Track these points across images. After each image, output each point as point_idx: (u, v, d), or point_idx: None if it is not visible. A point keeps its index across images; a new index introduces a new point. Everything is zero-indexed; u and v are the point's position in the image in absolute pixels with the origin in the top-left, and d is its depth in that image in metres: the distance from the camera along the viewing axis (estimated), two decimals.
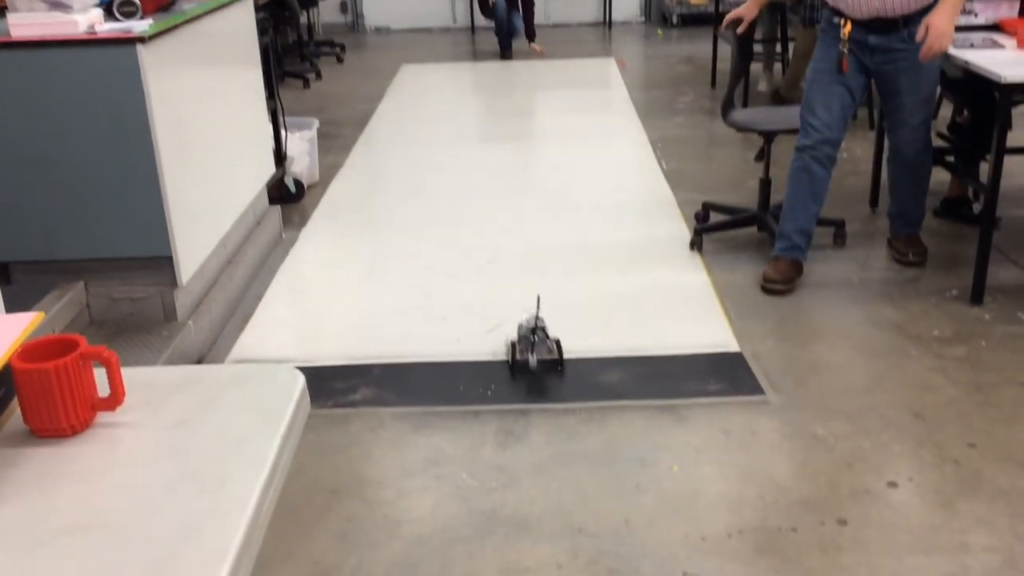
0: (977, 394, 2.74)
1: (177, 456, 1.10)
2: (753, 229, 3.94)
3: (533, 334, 2.92)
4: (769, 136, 3.78)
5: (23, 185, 2.84)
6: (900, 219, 3.69)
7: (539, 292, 3.06)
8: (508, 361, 2.95)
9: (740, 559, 2.10)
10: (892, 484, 2.35)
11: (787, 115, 3.84)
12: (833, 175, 3.48)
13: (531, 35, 8.19)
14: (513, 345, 2.95)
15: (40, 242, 2.91)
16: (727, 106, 3.87)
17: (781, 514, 2.24)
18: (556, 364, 2.92)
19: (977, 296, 3.29)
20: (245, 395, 1.24)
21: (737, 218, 3.96)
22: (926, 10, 3.19)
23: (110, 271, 2.97)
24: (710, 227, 3.92)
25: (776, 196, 3.80)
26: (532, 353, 2.88)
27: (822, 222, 3.96)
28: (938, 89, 3.89)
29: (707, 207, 4.12)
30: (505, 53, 8.12)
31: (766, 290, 3.43)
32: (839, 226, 3.87)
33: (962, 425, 2.59)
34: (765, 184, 3.84)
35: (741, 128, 3.87)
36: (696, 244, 3.84)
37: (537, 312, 2.97)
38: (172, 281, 2.96)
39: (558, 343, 2.93)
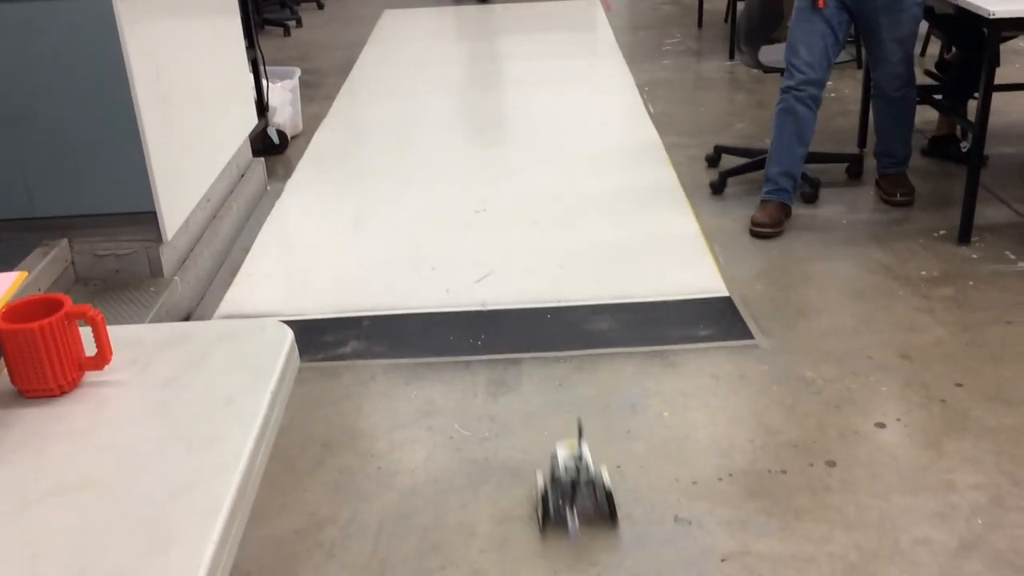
0: (964, 334, 2.75)
1: (167, 414, 1.10)
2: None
3: (574, 489, 2.05)
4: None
5: (2, 142, 2.79)
6: (887, 158, 3.68)
7: (578, 418, 2.36)
8: (537, 514, 2.09)
9: (730, 502, 2.13)
10: (880, 425, 2.37)
11: None
12: (821, 115, 3.46)
13: None
14: (545, 495, 2.07)
15: (22, 199, 2.87)
16: (754, 44, 3.74)
17: (770, 457, 2.27)
18: (607, 518, 2.07)
19: (965, 236, 3.29)
20: (234, 351, 1.23)
21: (757, 159, 3.88)
22: None
23: (94, 227, 2.94)
24: (733, 170, 3.88)
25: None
26: (572, 511, 2.05)
27: (836, 157, 3.97)
28: (924, 25, 3.86)
29: (719, 149, 4.09)
30: None
31: (754, 234, 3.43)
32: (854, 161, 3.92)
33: (949, 365, 2.60)
34: None
35: (769, 68, 3.77)
36: (717, 187, 3.83)
37: (580, 449, 2.07)
38: (157, 236, 2.94)
39: (609, 496, 2.06)
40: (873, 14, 3.35)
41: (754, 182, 3.86)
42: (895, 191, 3.64)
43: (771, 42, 3.85)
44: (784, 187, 3.47)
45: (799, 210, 3.59)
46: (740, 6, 6.00)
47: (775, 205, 3.48)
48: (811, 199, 3.69)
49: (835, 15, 3.34)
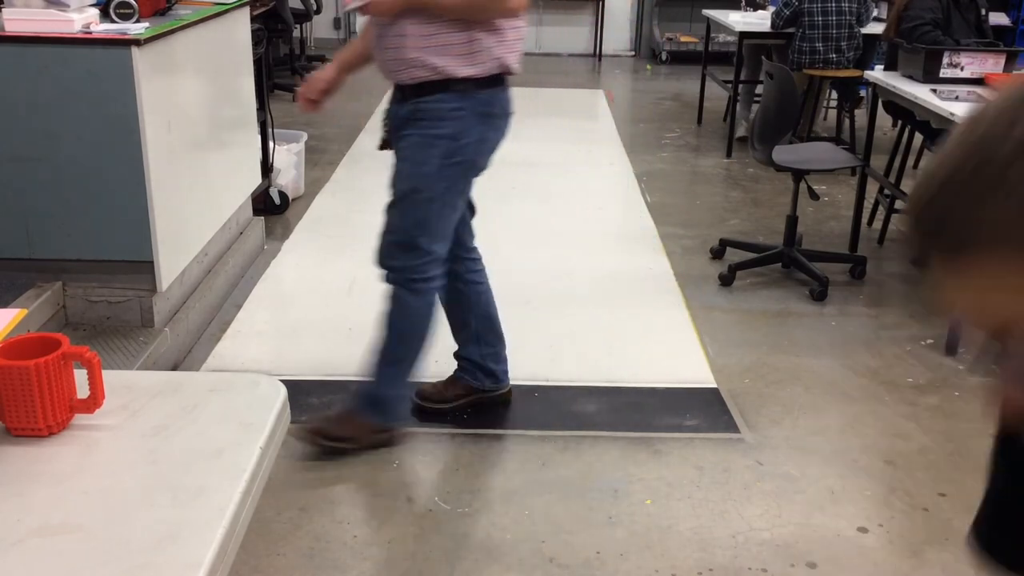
0: (948, 443, 2.76)
1: (154, 462, 1.09)
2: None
3: None
4: (801, 174, 3.83)
5: (6, 181, 2.81)
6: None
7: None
8: None
9: None
10: (862, 529, 2.35)
11: (814, 152, 4.03)
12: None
13: None
14: None
15: (21, 239, 2.87)
16: (768, 142, 3.80)
17: (751, 554, 2.24)
18: None
19: (952, 346, 3.32)
20: (226, 404, 1.22)
21: (765, 255, 3.97)
22: (432, 83, 2.33)
23: (89, 272, 2.94)
24: (743, 264, 3.93)
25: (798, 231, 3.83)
26: None
27: (840, 258, 4.06)
28: (919, 138, 3.94)
29: (724, 243, 4.15)
30: None
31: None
32: (858, 262, 4.00)
33: (933, 474, 2.60)
34: (792, 220, 3.90)
35: (781, 167, 3.81)
36: (727, 280, 3.86)
37: None
38: (151, 286, 2.94)
39: None
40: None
41: (757, 276, 3.90)
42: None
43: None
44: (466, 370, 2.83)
45: (791, 308, 3.63)
46: (739, 107, 6.16)
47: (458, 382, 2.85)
48: (821, 297, 3.73)
49: None
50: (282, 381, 1.28)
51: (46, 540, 0.93)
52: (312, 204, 4.74)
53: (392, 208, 2.50)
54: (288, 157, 4.67)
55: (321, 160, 5.49)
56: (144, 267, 2.91)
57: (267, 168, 4.38)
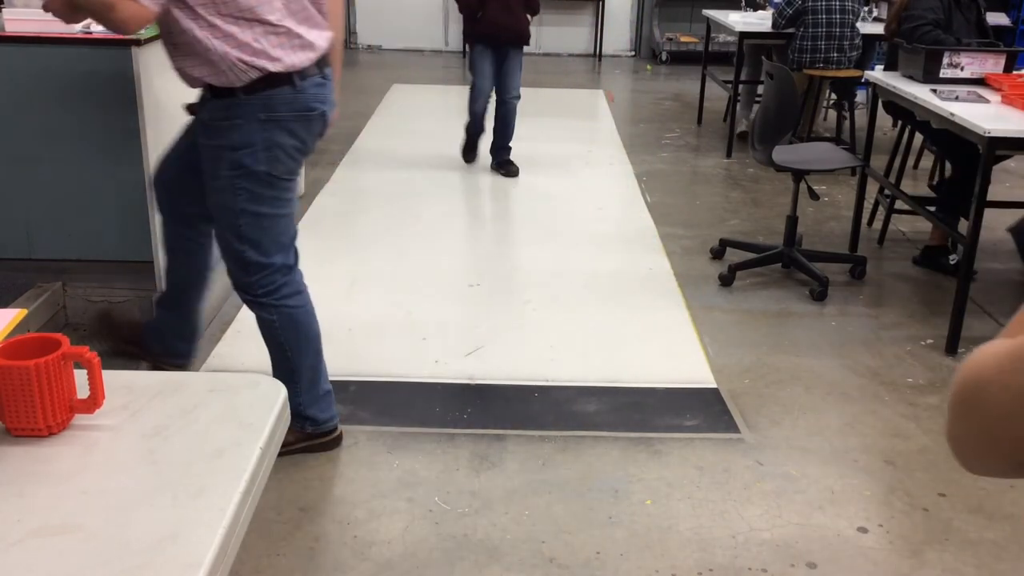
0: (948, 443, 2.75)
1: (154, 462, 1.09)
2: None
3: None
4: (801, 174, 3.83)
5: (7, 181, 2.81)
6: None
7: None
8: None
9: None
10: (862, 529, 2.35)
11: (815, 152, 4.02)
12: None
13: (501, 161, 5.50)
14: None
15: (21, 239, 2.88)
16: (768, 142, 3.79)
17: (751, 555, 2.24)
18: None
19: (952, 346, 3.32)
20: (226, 404, 1.22)
21: (765, 255, 3.97)
22: (208, 92, 2.28)
23: (89, 272, 2.94)
24: (743, 264, 3.93)
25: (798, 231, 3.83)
26: None
27: (840, 258, 4.05)
28: (919, 138, 3.93)
29: (724, 243, 4.15)
30: (470, 155, 5.63)
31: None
32: (859, 262, 4.00)
33: (933, 474, 2.60)
34: (792, 221, 3.89)
35: (781, 168, 3.81)
36: (727, 280, 3.86)
37: None
38: (152, 286, 2.94)
39: None
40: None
41: (757, 276, 3.90)
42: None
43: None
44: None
45: (791, 308, 3.62)
46: (739, 107, 6.17)
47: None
48: (820, 297, 3.73)
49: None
50: None
51: (46, 540, 0.93)
52: (312, 204, 4.74)
53: (216, 226, 2.43)
54: None
55: (321, 160, 5.49)
56: (144, 267, 2.91)
57: None
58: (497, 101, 5.40)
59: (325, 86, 2.36)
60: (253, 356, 3.16)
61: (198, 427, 1.16)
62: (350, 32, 10.11)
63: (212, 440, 1.13)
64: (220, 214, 2.34)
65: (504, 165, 5.48)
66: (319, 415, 2.54)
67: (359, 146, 5.93)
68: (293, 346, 2.48)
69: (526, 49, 5.38)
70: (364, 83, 8.15)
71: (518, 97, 5.41)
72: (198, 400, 1.23)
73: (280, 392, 1.26)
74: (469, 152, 5.66)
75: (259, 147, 2.24)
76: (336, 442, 2.60)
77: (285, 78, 2.23)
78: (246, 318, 3.42)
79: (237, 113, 2.21)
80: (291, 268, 2.43)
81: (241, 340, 3.26)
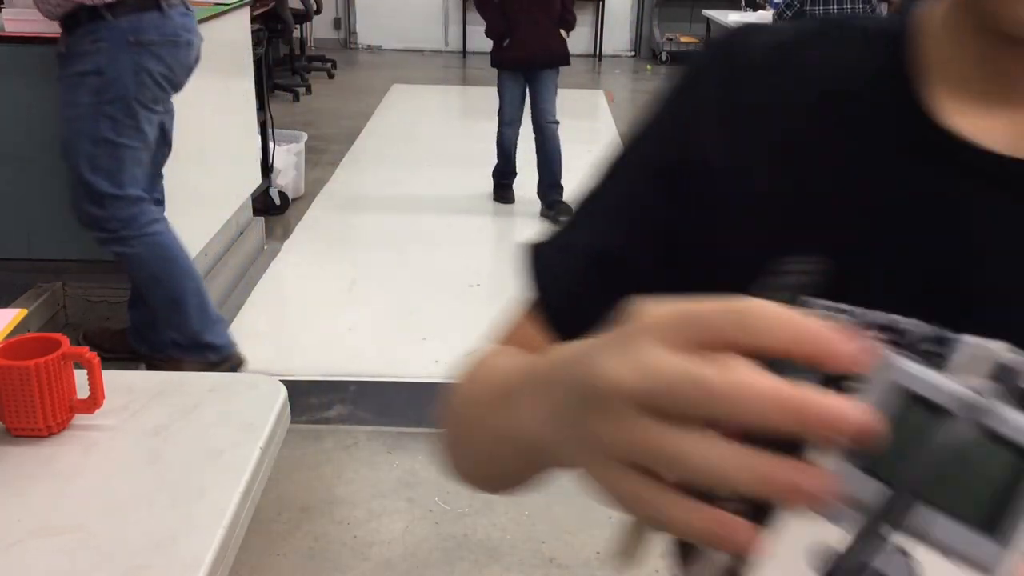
0: None
1: (154, 463, 1.09)
2: None
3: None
4: None
5: (6, 181, 2.81)
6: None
7: None
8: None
9: None
10: None
11: None
12: None
13: (551, 202, 4.62)
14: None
15: (21, 240, 2.87)
16: None
17: None
18: None
19: None
20: (226, 404, 1.22)
21: None
22: (69, 17, 2.30)
23: (89, 272, 2.94)
24: None
25: None
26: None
27: None
28: None
29: None
30: (506, 194, 4.91)
31: None
32: None
33: None
34: None
35: None
36: None
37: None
38: None
39: None
40: None
41: None
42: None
43: None
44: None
45: None
46: None
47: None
48: None
49: None
50: (282, 381, 1.28)
51: (46, 540, 0.93)
52: (312, 204, 4.74)
53: (65, 159, 2.39)
54: (288, 157, 4.67)
55: (321, 160, 5.49)
56: None
57: (267, 168, 4.38)
58: (535, 130, 4.60)
59: (189, 16, 2.36)
60: (253, 356, 3.16)
61: (198, 427, 1.16)
62: (350, 32, 10.11)
63: (212, 440, 1.14)
64: (74, 146, 2.33)
65: (554, 206, 4.51)
66: (216, 340, 2.50)
67: (359, 146, 5.93)
68: (168, 273, 2.45)
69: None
70: (364, 83, 8.16)
71: (557, 122, 4.60)
72: (198, 400, 1.23)
73: (280, 392, 1.26)
74: (502, 192, 4.84)
75: (127, 70, 2.24)
76: (241, 364, 2.56)
77: (152, 2, 2.23)
78: (246, 319, 3.43)
79: (103, 36, 2.20)
80: (143, 200, 2.41)
81: (241, 340, 3.26)
